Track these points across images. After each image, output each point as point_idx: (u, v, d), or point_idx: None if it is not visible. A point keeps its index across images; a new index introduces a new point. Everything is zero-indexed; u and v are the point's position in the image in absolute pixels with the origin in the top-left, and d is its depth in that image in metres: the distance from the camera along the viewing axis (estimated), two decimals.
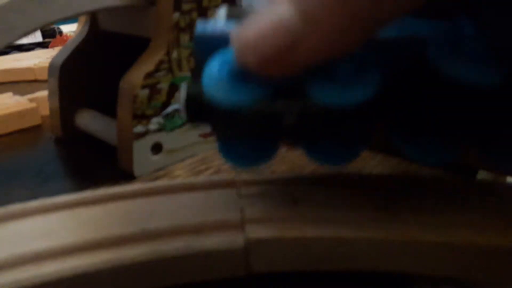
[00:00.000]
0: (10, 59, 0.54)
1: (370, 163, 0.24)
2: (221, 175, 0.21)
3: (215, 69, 0.13)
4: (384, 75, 0.13)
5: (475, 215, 0.15)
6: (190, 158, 0.26)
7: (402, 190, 0.16)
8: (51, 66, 0.28)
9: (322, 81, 0.13)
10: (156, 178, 0.24)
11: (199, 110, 0.14)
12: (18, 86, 0.46)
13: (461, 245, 0.14)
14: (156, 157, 0.25)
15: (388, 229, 0.14)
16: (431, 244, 0.14)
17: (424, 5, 0.11)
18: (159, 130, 0.24)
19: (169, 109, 0.24)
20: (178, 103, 0.16)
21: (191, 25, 0.24)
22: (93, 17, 0.28)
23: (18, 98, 0.35)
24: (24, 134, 0.32)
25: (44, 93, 0.34)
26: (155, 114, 0.24)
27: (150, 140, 0.24)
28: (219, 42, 0.13)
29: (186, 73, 0.25)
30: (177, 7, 0.23)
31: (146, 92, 0.23)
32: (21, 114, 0.33)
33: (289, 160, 0.24)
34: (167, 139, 0.25)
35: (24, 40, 0.68)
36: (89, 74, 0.29)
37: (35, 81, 0.47)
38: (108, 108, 0.26)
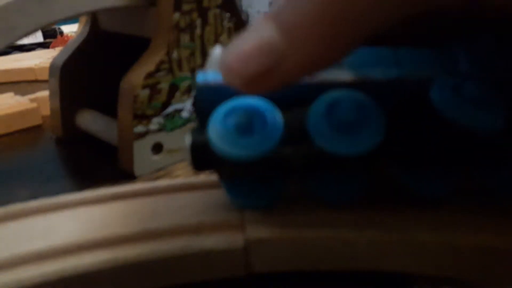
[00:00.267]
0: (11, 59, 0.54)
1: None
2: None
3: (220, 122, 0.13)
4: (389, 118, 0.13)
5: (475, 215, 0.15)
6: None
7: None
8: (52, 66, 0.28)
9: (328, 132, 0.13)
10: (157, 178, 0.24)
11: (205, 159, 0.14)
12: (19, 86, 0.46)
13: (461, 245, 0.14)
14: (156, 157, 0.25)
15: (388, 229, 0.14)
16: (431, 244, 0.14)
17: (415, 32, 0.11)
18: (160, 130, 0.24)
19: (170, 109, 0.24)
20: (184, 153, 0.16)
21: (191, 25, 0.24)
22: (94, 18, 0.28)
23: (19, 98, 0.35)
24: (25, 134, 0.32)
25: (45, 93, 0.34)
26: (156, 114, 0.24)
27: (150, 140, 0.24)
28: (222, 92, 0.13)
29: (186, 73, 0.25)
30: (177, 7, 0.23)
31: (146, 92, 0.23)
32: (22, 114, 0.33)
33: None
34: (168, 139, 0.25)
35: (25, 40, 0.68)
36: (90, 74, 0.29)
37: (36, 81, 0.47)
38: (108, 108, 0.26)
